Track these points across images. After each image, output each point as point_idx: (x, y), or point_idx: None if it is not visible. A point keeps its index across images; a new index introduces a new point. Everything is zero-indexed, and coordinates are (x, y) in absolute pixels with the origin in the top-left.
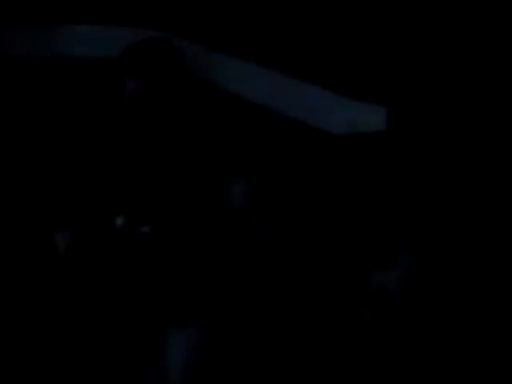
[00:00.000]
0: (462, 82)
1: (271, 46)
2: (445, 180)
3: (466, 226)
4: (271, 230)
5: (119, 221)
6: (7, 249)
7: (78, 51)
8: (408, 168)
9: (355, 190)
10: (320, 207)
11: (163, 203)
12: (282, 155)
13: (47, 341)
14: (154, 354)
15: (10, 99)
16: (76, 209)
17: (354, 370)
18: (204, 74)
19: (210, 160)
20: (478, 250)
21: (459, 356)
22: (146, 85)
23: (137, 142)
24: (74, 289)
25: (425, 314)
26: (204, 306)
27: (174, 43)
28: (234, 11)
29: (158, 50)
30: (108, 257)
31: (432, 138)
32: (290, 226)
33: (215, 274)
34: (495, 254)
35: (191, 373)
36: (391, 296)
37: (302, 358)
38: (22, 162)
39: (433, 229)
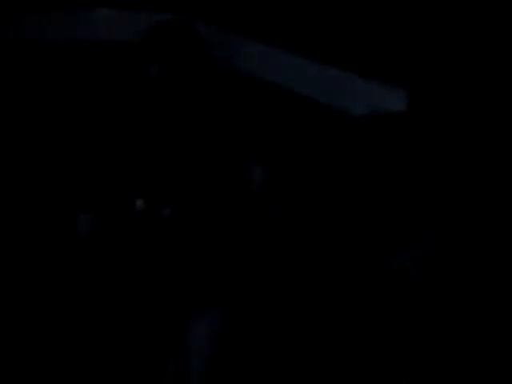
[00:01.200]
0: (483, 65)
1: (294, 29)
2: (467, 163)
3: (489, 210)
4: (291, 212)
5: (139, 203)
6: (29, 231)
7: (98, 35)
8: (430, 150)
9: (378, 171)
10: (342, 190)
11: (184, 186)
12: (304, 138)
13: (66, 327)
14: (174, 343)
15: (33, 84)
16: (97, 192)
17: (368, 354)
18: (227, 58)
19: (231, 143)
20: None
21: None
22: (168, 69)
23: (158, 125)
24: (93, 272)
25: (440, 303)
26: (224, 291)
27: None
28: None
29: (178, 34)
30: (128, 239)
31: (453, 121)
32: (311, 208)
33: (234, 257)
34: None
35: (212, 361)
36: (409, 279)
37: (321, 341)
38: (46, 144)
39: (455, 212)
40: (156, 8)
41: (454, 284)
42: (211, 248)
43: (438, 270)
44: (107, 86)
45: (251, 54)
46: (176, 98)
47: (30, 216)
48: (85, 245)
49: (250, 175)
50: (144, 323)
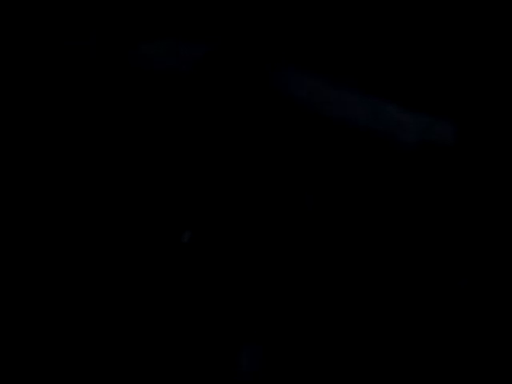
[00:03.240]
0: None
1: (344, 61)
2: None
3: None
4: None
5: (186, 235)
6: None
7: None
8: (478, 183)
9: (425, 204)
10: (390, 218)
11: (233, 216)
12: (355, 170)
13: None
14: (224, 369)
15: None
16: (144, 222)
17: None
18: (283, 87)
19: (281, 173)
20: None
21: None
22: (224, 98)
23: (211, 153)
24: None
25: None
26: (268, 325)
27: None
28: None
29: (235, 62)
30: (176, 270)
31: (503, 157)
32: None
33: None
34: None
35: None
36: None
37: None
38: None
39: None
40: (208, 37)
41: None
42: (265, 279)
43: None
44: (163, 114)
45: (305, 85)
46: (228, 125)
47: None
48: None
49: (304, 204)
50: (191, 352)
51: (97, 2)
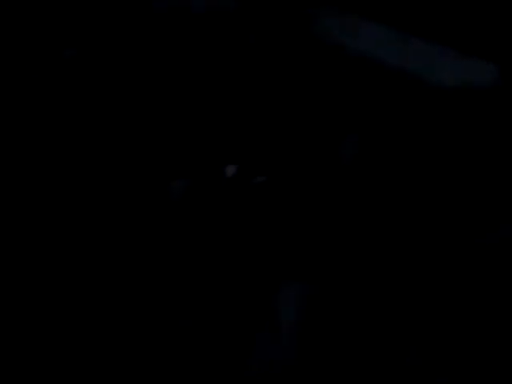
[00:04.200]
0: None
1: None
2: None
3: None
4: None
5: (230, 170)
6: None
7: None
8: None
9: (464, 149)
10: (431, 166)
11: (278, 153)
12: (393, 111)
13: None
14: (264, 316)
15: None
16: (190, 158)
17: None
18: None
19: (323, 114)
20: None
21: None
22: (265, 40)
23: (251, 93)
24: (184, 239)
25: None
26: (314, 261)
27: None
28: None
29: (276, 6)
30: (220, 207)
31: None
32: (399, 184)
33: (323, 232)
34: None
35: (304, 332)
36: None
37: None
38: (140, 111)
39: None
40: None
41: None
42: (303, 218)
43: None
44: (204, 55)
45: (347, 27)
46: (270, 68)
47: (123, 181)
48: (176, 212)
49: (342, 149)
50: (233, 295)
51: None
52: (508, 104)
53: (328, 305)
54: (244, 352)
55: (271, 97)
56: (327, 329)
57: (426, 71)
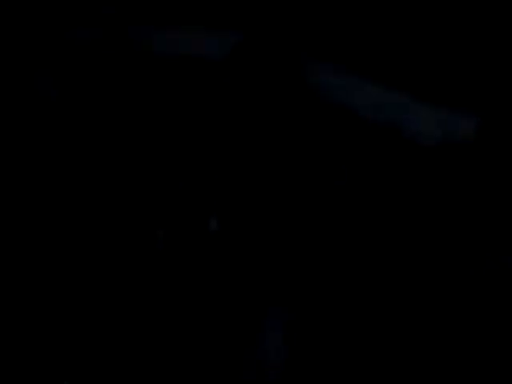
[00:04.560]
0: None
1: (367, 56)
2: None
3: None
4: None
5: (213, 223)
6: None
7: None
8: (497, 180)
9: (442, 199)
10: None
11: (260, 203)
12: (375, 163)
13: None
14: (250, 342)
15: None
16: (176, 208)
17: None
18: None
19: (308, 164)
20: None
21: None
22: (253, 88)
23: (238, 141)
24: (170, 284)
25: None
26: (297, 288)
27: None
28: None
29: (265, 52)
30: (202, 260)
31: None
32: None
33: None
34: None
35: (289, 359)
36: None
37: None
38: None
39: None
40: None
41: None
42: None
43: None
44: (186, 99)
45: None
46: (256, 115)
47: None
48: (161, 259)
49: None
50: (219, 320)
51: None
52: (483, 156)
53: (311, 329)
54: (232, 375)
55: (258, 145)
56: (312, 353)
57: (401, 123)
